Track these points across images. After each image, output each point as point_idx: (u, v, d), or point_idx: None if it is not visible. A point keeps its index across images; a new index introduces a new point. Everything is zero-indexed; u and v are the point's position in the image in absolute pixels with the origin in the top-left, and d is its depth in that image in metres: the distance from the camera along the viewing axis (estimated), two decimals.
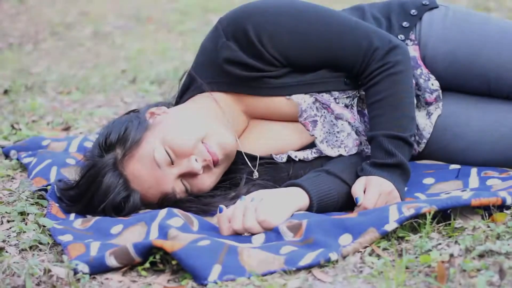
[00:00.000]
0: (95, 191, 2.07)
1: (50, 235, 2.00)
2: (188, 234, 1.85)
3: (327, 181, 2.05)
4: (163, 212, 1.99)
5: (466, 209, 1.88)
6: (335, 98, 2.18)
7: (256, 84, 2.16)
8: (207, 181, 2.12)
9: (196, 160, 2.07)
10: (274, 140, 2.24)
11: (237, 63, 2.13)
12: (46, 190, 2.27)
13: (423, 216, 1.84)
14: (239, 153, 2.21)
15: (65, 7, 7.87)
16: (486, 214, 1.87)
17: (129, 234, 1.95)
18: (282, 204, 1.93)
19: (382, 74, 2.09)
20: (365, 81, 2.13)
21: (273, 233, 1.88)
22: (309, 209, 2.00)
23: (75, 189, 2.13)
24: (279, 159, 2.21)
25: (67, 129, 3.31)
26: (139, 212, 2.10)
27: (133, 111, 2.27)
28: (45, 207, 2.20)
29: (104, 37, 6.32)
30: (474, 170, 2.25)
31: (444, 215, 1.88)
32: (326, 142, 2.19)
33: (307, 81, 2.16)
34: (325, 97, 2.17)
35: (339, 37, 2.12)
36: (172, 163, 2.07)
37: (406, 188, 2.13)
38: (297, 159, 2.21)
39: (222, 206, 1.94)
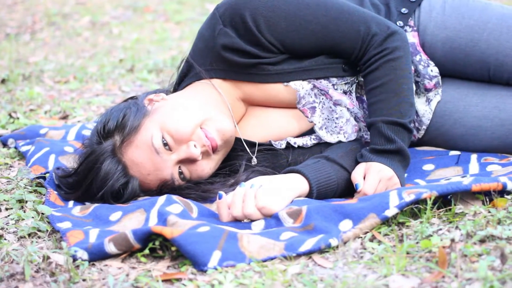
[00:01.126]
0: (94, 178, 2.06)
1: (48, 222, 1.99)
2: (188, 220, 1.84)
3: (326, 167, 2.04)
4: (162, 199, 1.98)
5: (466, 195, 1.87)
6: (333, 85, 2.17)
7: (254, 70, 2.15)
8: (206, 167, 2.11)
9: (194, 145, 2.06)
10: (273, 126, 2.23)
11: (234, 49, 2.12)
12: (44, 178, 2.27)
13: (424, 201, 1.83)
14: (237, 139, 2.20)
15: None
16: (487, 200, 1.86)
17: (128, 221, 1.94)
18: (281, 191, 1.92)
19: (380, 60, 2.08)
20: (363, 68, 2.12)
21: (273, 219, 1.87)
22: (309, 195, 1.99)
23: (74, 176, 2.12)
24: (278, 146, 2.20)
25: (65, 117, 3.30)
26: (138, 199, 2.09)
27: (131, 98, 2.26)
28: (44, 195, 2.20)
29: (102, 27, 6.30)
30: (474, 156, 2.25)
31: (444, 200, 1.87)
32: (325, 128, 2.18)
33: (305, 67, 2.15)
34: (323, 83, 2.16)
35: (337, 23, 2.11)
36: (170, 149, 2.06)
37: (406, 175, 2.12)
38: (296, 146, 2.20)
39: (221, 192, 1.94)
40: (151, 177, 2.07)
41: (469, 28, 2.27)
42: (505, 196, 1.84)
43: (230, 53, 2.13)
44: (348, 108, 2.18)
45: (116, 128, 2.08)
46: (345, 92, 2.20)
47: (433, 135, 2.35)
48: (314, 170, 2.01)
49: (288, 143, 2.20)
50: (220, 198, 1.93)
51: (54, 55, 5.09)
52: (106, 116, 2.13)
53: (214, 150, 2.09)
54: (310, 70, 2.16)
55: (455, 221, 1.78)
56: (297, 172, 2.00)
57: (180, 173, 2.09)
